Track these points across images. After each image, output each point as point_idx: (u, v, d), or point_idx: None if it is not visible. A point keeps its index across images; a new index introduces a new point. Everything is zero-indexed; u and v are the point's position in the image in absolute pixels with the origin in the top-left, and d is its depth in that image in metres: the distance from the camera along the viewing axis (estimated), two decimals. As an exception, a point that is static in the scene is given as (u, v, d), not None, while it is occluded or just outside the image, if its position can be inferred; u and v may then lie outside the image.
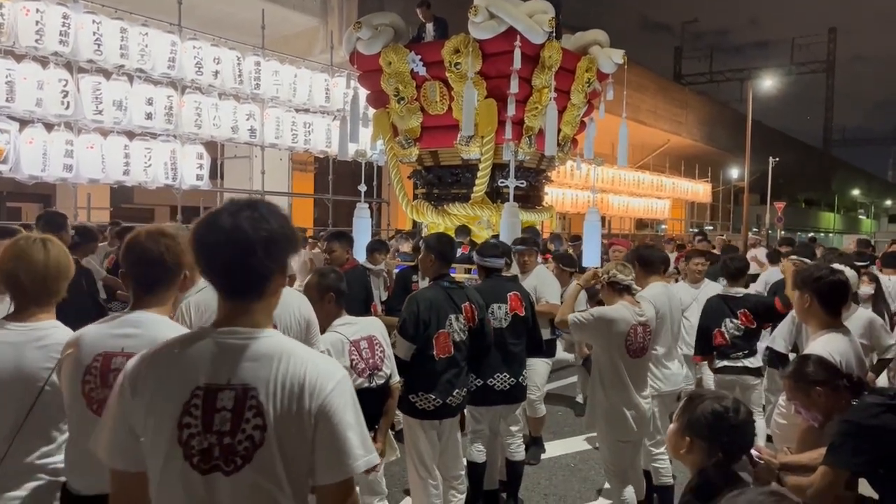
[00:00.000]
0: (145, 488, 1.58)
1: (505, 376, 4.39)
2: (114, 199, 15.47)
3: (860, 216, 65.68)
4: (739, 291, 5.21)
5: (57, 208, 12.12)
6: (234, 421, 1.51)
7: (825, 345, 3.17)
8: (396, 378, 3.68)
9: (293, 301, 3.22)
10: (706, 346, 5.11)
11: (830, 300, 3.30)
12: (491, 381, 4.35)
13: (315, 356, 1.64)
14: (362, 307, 5.46)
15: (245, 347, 1.56)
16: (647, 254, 4.78)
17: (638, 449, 4.27)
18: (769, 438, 4.72)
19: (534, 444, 5.67)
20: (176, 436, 1.52)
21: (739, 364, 5.00)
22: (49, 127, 8.97)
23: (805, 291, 3.33)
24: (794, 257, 6.36)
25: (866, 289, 5.78)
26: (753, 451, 3.04)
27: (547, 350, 5.54)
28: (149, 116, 9.81)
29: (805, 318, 3.44)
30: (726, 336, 4.96)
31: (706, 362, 5.48)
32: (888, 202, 67.94)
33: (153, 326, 2.12)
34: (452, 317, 3.95)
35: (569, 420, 6.87)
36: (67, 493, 2.12)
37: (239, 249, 1.54)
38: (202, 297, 2.88)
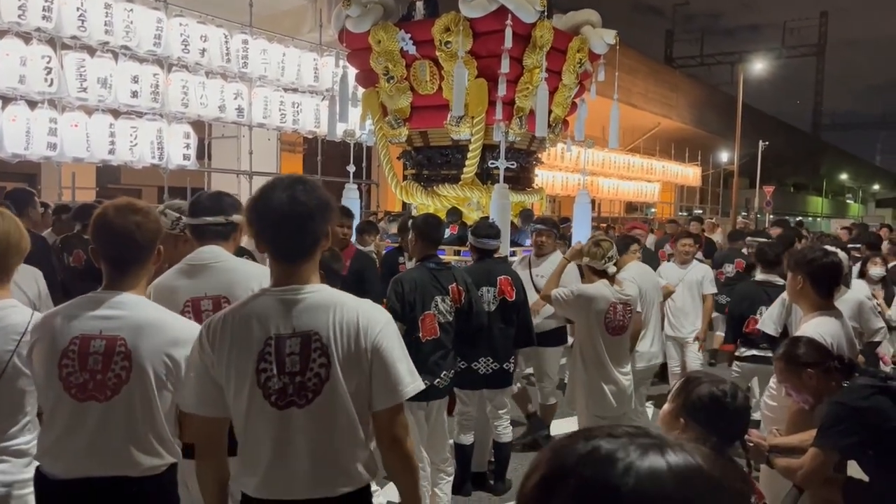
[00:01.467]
0: (225, 431, 1.92)
1: (489, 360, 4.37)
2: (100, 179, 15.28)
3: (848, 200, 66.04)
4: (779, 280, 5.10)
5: (42, 188, 11.97)
6: (303, 362, 1.82)
7: (817, 327, 3.16)
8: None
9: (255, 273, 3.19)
10: (738, 333, 5.06)
11: (823, 282, 3.29)
12: (475, 365, 4.34)
13: (363, 304, 1.94)
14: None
15: (303, 300, 1.87)
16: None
17: None
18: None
19: (538, 429, 5.61)
20: (255, 380, 1.82)
21: (768, 354, 4.95)
22: (32, 104, 8.80)
23: (798, 273, 3.32)
24: (749, 239, 6.44)
25: (878, 270, 5.84)
26: (743, 434, 3.04)
27: (559, 337, 5.54)
28: (134, 95, 9.65)
29: (797, 299, 3.44)
30: None
31: (696, 344, 5.48)
32: (876, 186, 68.30)
33: (134, 307, 2.06)
34: (438, 298, 3.91)
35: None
36: (42, 477, 2.06)
37: (299, 218, 1.85)
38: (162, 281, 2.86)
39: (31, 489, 2.13)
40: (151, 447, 2.05)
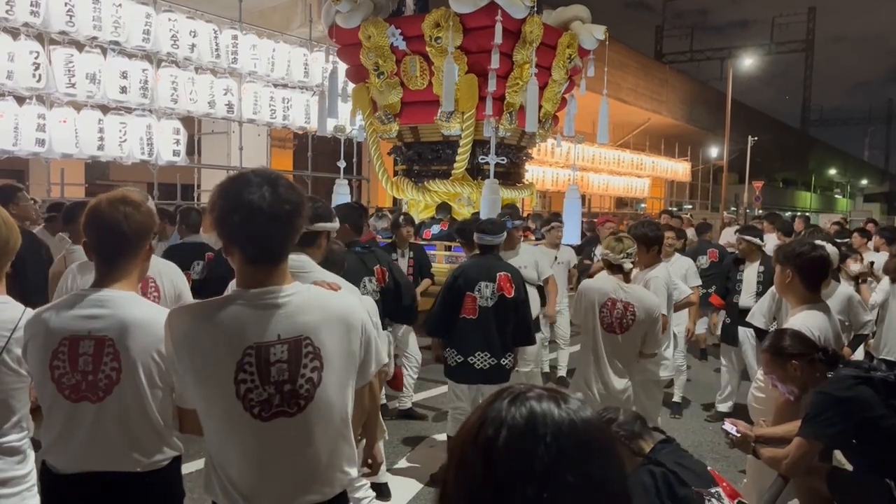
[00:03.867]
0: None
1: (485, 355, 4.38)
2: (89, 176, 15.22)
3: (836, 196, 66.43)
4: None
5: (30, 184, 11.89)
6: (293, 369, 1.72)
7: (804, 320, 3.20)
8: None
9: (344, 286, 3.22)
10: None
11: (811, 276, 3.32)
12: (471, 359, 4.35)
13: (342, 297, 1.91)
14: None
15: (286, 304, 1.75)
16: (644, 230, 4.69)
17: None
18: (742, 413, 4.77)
19: None
20: (233, 391, 1.70)
21: None
22: (20, 100, 8.74)
23: (787, 266, 3.36)
24: (737, 234, 6.47)
25: (856, 266, 5.89)
26: (729, 425, 3.07)
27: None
28: (123, 90, 9.59)
29: (785, 292, 3.47)
30: None
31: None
32: (864, 181, 68.76)
33: (121, 305, 2.03)
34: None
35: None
36: (48, 471, 2.07)
37: (270, 221, 1.71)
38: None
39: (27, 485, 2.13)
40: (149, 444, 2.05)
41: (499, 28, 7.29)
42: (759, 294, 5.61)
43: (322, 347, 1.76)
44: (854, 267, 5.86)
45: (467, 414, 3.53)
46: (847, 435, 2.60)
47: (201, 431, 1.93)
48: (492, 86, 7.53)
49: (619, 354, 3.99)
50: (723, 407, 6.35)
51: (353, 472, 1.88)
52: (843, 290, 4.50)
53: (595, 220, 11.62)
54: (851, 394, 2.60)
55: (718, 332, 6.38)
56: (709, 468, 2.35)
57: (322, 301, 1.83)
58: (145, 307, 2.13)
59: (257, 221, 1.71)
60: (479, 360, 4.37)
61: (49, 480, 2.07)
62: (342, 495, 1.89)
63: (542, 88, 8.23)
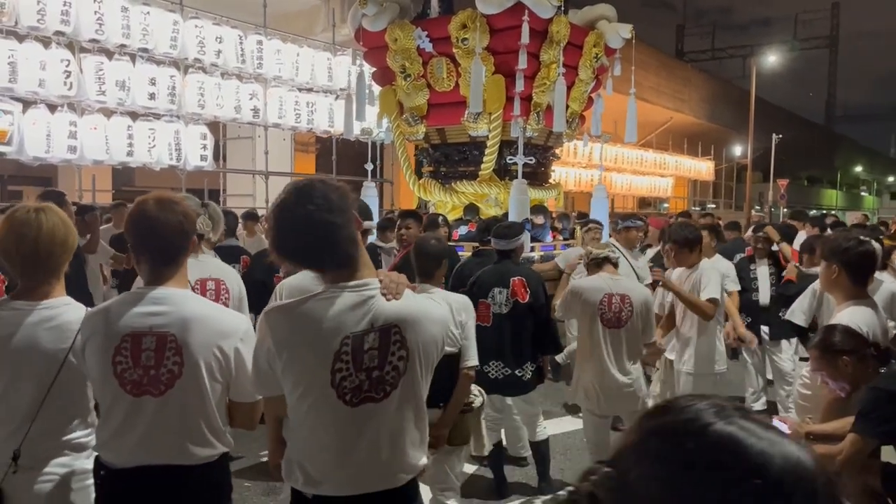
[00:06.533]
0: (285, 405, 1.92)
1: (499, 365, 4.27)
2: (115, 182, 15.39)
3: (862, 193, 65.47)
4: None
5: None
6: (381, 356, 1.82)
7: (851, 315, 3.14)
8: (472, 362, 3.40)
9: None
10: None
11: (858, 271, 3.26)
12: (486, 368, 4.18)
13: (422, 297, 2.01)
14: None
15: (377, 295, 1.86)
16: (685, 233, 4.58)
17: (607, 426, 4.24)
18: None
19: None
20: (328, 380, 1.80)
21: None
22: (52, 108, 8.87)
23: (832, 262, 3.29)
24: (759, 234, 6.43)
25: None
26: (779, 422, 3.03)
27: None
28: (152, 97, 9.72)
29: (831, 289, 3.41)
30: None
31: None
32: (890, 178, 67.69)
33: (180, 302, 2.09)
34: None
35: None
36: (101, 466, 2.11)
37: (323, 239, 1.82)
38: (297, 281, 3.01)
39: (91, 479, 2.17)
40: (205, 438, 2.09)
41: (525, 28, 7.29)
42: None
43: (408, 338, 1.85)
44: None
45: (496, 420, 3.50)
46: (902, 431, 2.56)
47: (252, 426, 2.09)
48: (519, 86, 7.53)
49: (624, 349, 3.95)
50: (757, 405, 6.31)
51: (424, 460, 1.96)
52: (887, 286, 4.40)
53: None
54: (906, 389, 2.55)
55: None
56: None
57: (410, 295, 1.92)
58: (203, 304, 2.21)
59: (297, 246, 1.87)
60: (492, 369, 4.24)
61: (104, 476, 2.11)
62: (413, 482, 1.96)
63: (568, 88, 8.22)
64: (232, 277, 3.51)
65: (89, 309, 2.21)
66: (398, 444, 1.88)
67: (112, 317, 2.07)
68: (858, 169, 58.72)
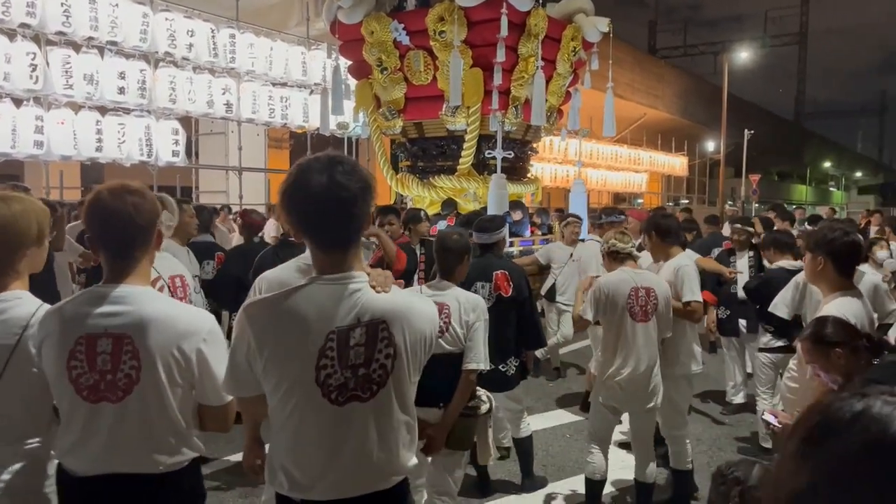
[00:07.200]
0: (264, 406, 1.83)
1: None
2: (84, 179, 15.06)
3: (831, 188, 66.52)
4: (801, 264, 5.11)
5: (26, 188, 11.74)
6: (368, 353, 1.73)
7: (839, 307, 3.10)
8: (474, 364, 3.28)
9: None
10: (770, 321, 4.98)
11: (844, 262, 3.22)
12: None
13: (409, 293, 1.98)
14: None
15: (364, 289, 1.77)
16: (664, 223, 4.51)
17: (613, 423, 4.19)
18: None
19: None
20: (313, 377, 1.71)
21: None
22: (18, 102, 8.63)
23: (818, 254, 3.25)
24: (738, 225, 6.47)
25: (883, 253, 5.85)
26: (770, 416, 2.99)
27: None
28: (121, 91, 9.50)
29: (816, 280, 3.36)
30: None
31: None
32: (858, 174, 68.87)
33: (138, 301, 1.94)
34: None
35: (562, 389, 6.84)
36: (64, 474, 1.99)
37: (344, 204, 1.72)
38: (275, 275, 2.86)
39: (52, 486, 2.04)
40: (170, 445, 1.96)
41: (504, 21, 7.21)
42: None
43: (395, 335, 1.76)
44: (881, 254, 5.81)
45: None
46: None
47: (225, 428, 2.00)
48: (497, 79, 7.45)
49: (648, 343, 3.89)
50: (737, 399, 6.32)
51: (414, 460, 1.88)
52: (868, 278, 4.41)
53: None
54: (901, 381, 2.52)
55: (714, 327, 6.29)
56: None
57: (396, 291, 1.85)
58: (164, 302, 2.05)
59: (313, 210, 1.74)
60: None
61: (66, 484, 1.98)
62: (405, 482, 1.88)
63: (546, 82, 8.15)
64: (187, 272, 3.40)
65: (46, 307, 2.06)
66: (388, 445, 1.80)
67: (66, 317, 1.93)
68: (827, 164, 59.65)
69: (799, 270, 5.04)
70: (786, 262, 5.23)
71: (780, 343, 4.97)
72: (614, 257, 4.02)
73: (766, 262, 5.71)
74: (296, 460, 1.78)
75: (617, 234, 4.06)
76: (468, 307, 3.32)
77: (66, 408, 1.95)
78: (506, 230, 4.81)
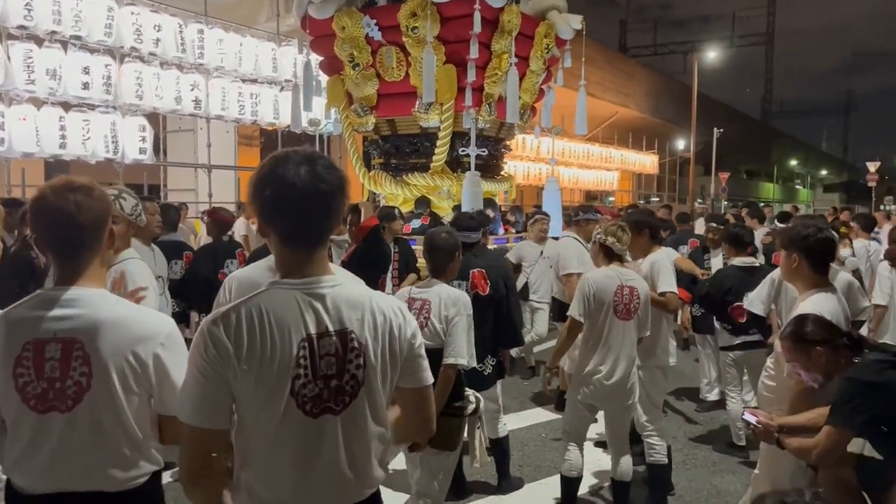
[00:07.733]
0: (224, 445, 1.66)
1: None
2: (48, 176, 14.71)
3: (797, 186, 67.66)
4: (754, 261, 5.16)
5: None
6: (339, 364, 1.63)
7: (815, 304, 3.09)
8: (452, 359, 3.23)
9: None
10: (726, 320, 5.02)
11: (819, 258, 3.22)
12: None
13: (387, 298, 1.80)
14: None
15: (330, 294, 1.66)
16: (647, 220, 4.55)
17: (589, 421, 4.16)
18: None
19: None
20: (288, 387, 1.60)
21: (758, 339, 4.95)
22: (-23, 98, 8.39)
23: (792, 251, 3.24)
24: (712, 224, 6.52)
25: (845, 251, 5.91)
26: (749, 415, 2.97)
27: None
28: (85, 86, 9.26)
29: (791, 278, 3.35)
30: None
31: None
32: (823, 172, 70.16)
33: (90, 304, 1.83)
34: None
35: (537, 387, 6.79)
36: (13, 492, 1.86)
37: (325, 198, 1.63)
38: (245, 274, 2.73)
39: None
40: (125, 458, 1.84)
41: (477, 17, 7.14)
42: None
43: (366, 345, 1.67)
44: (844, 252, 5.88)
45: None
46: (876, 422, 2.50)
47: (200, 456, 1.68)
48: (471, 76, 7.40)
49: (628, 341, 3.88)
50: (711, 396, 6.34)
51: (383, 472, 1.80)
52: (842, 275, 4.43)
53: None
54: (881, 379, 2.50)
55: (689, 324, 6.30)
56: None
57: (371, 299, 1.73)
58: (119, 305, 1.92)
59: (289, 198, 1.62)
60: None
61: (14, 502, 1.85)
62: (377, 494, 1.80)
63: (520, 79, 8.10)
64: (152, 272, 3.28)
65: None
66: (360, 459, 1.70)
67: (12, 321, 1.81)
68: (794, 163, 60.67)
69: (751, 266, 5.10)
70: (739, 260, 5.23)
71: (738, 341, 5.02)
72: (607, 252, 3.98)
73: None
74: (260, 476, 1.65)
75: (619, 230, 3.98)
76: (448, 302, 3.29)
77: (13, 418, 1.82)
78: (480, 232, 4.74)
